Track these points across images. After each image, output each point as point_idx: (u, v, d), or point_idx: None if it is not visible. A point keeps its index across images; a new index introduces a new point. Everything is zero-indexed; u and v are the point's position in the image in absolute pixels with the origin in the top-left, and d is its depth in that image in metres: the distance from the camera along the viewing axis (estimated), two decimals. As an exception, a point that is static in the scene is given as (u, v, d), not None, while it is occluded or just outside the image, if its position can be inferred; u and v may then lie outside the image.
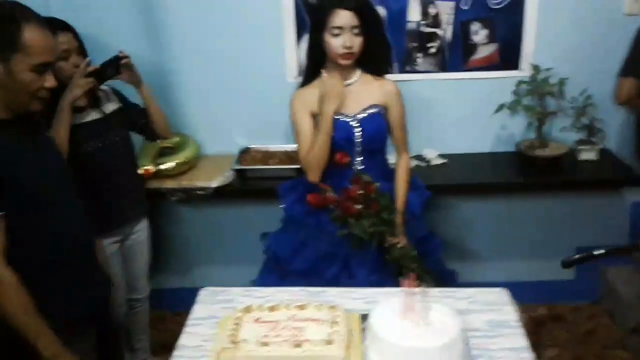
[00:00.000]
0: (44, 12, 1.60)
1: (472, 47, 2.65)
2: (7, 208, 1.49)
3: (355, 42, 1.97)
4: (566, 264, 1.78)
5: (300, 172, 2.53)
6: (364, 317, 1.67)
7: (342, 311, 1.64)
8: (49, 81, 1.52)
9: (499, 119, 2.72)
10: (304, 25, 2.60)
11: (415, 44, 2.64)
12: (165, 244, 2.95)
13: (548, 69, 2.59)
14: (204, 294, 1.88)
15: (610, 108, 2.68)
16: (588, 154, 2.70)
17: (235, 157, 2.70)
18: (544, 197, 2.89)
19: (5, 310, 1.49)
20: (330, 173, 2.10)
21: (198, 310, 1.80)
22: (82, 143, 2.08)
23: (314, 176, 2.07)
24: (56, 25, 1.97)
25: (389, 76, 2.21)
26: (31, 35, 1.45)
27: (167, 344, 2.75)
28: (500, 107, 2.62)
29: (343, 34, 1.95)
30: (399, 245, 2.00)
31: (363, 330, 1.63)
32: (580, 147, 2.70)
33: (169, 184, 2.54)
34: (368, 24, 1.99)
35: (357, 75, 2.09)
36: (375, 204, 1.93)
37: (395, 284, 1.68)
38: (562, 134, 2.73)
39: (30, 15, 1.48)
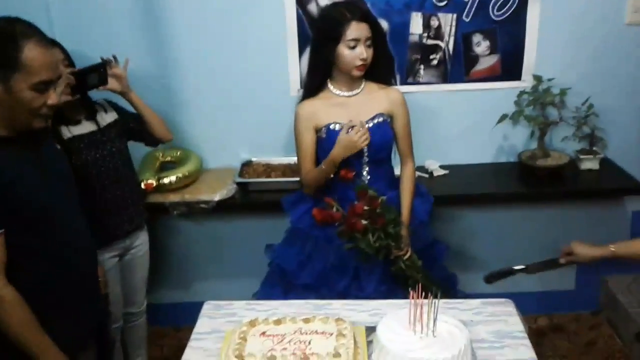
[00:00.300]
0: (47, 30, 1.59)
1: (474, 59, 2.66)
2: (6, 226, 1.47)
3: (369, 54, 1.99)
4: (488, 280, 1.83)
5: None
6: (370, 330, 1.66)
7: (348, 324, 1.63)
8: (52, 99, 1.50)
9: (501, 129, 2.73)
10: (307, 40, 2.61)
11: (417, 56, 2.65)
12: (167, 258, 2.93)
13: (550, 80, 2.60)
14: (207, 308, 1.87)
15: (611, 117, 2.69)
16: (590, 164, 2.70)
17: (237, 170, 2.70)
18: (546, 207, 2.89)
19: (7, 328, 1.48)
20: (335, 185, 2.10)
21: (202, 324, 1.79)
22: (79, 155, 2.08)
23: (309, 192, 2.16)
24: None
25: (404, 88, 2.24)
26: (31, 54, 1.42)
27: (166, 359, 2.77)
28: (503, 118, 2.63)
29: (359, 45, 1.97)
30: (405, 257, 1.99)
31: (369, 342, 1.62)
32: (581, 157, 2.70)
33: (171, 197, 2.53)
34: (377, 34, 2.01)
35: (363, 84, 2.10)
36: (381, 219, 1.93)
37: (405, 293, 1.67)
38: (564, 143, 2.74)
39: (31, 32, 1.45)
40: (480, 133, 2.75)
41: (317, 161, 2.14)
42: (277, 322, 1.64)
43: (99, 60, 2.16)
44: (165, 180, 2.54)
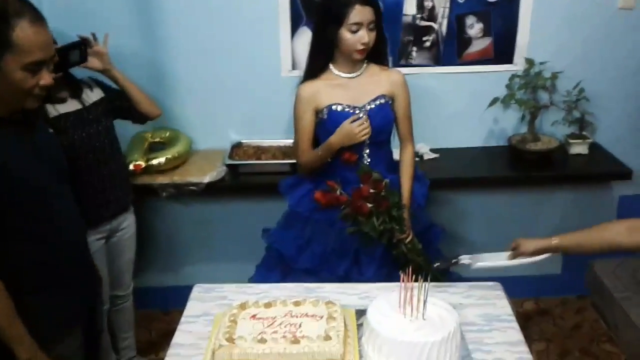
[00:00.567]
0: (35, 4, 1.55)
1: (467, 41, 2.65)
2: None
3: (371, 37, 1.97)
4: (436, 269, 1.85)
5: (293, 167, 2.52)
6: (360, 313, 1.67)
7: (338, 307, 1.63)
8: (44, 79, 1.46)
9: (492, 113, 2.72)
10: (299, 19, 2.58)
11: (410, 38, 2.63)
12: (155, 240, 2.92)
13: (542, 63, 2.59)
14: (197, 291, 1.86)
15: (602, 102, 2.70)
16: (579, 148, 2.71)
17: (227, 152, 2.67)
18: (535, 191, 2.90)
19: None
20: (334, 168, 2.09)
21: (191, 307, 1.78)
22: (65, 133, 2.05)
23: (303, 173, 2.18)
24: None
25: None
26: (22, 33, 1.38)
27: (155, 343, 2.77)
28: (494, 101, 2.62)
29: (361, 29, 1.94)
30: (406, 241, 1.99)
31: (359, 325, 1.63)
32: (571, 141, 2.71)
33: (160, 179, 2.50)
34: (380, 18, 1.99)
35: (364, 66, 2.09)
36: (385, 202, 1.92)
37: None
38: (554, 128, 2.74)
39: (24, 10, 1.40)
40: (471, 116, 2.75)
41: (316, 142, 2.13)
42: (268, 305, 1.64)
43: (77, 38, 2.12)
44: (154, 162, 2.51)
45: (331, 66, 2.07)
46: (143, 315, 2.84)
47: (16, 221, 1.50)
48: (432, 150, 2.74)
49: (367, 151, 2.09)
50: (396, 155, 2.23)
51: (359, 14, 1.93)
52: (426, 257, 2.02)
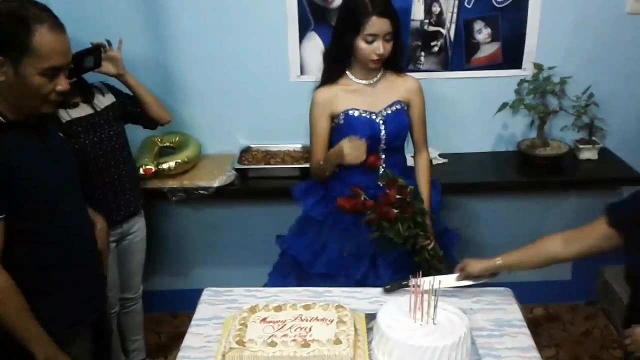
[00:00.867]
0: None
1: (475, 46, 2.65)
2: (8, 211, 1.46)
3: (387, 49, 1.96)
4: (386, 289, 1.85)
5: (302, 171, 2.53)
6: (370, 317, 1.67)
7: (348, 311, 1.64)
8: (61, 84, 1.48)
9: (501, 118, 2.72)
10: (307, 24, 2.59)
11: (418, 43, 2.63)
12: (165, 244, 2.93)
13: (550, 68, 2.59)
14: (207, 294, 1.87)
15: (611, 107, 2.69)
16: (588, 154, 2.70)
17: (236, 157, 2.68)
18: (545, 197, 2.89)
19: (0, 315, 1.48)
20: (354, 172, 2.09)
21: (201, 310, 1.79)
22: (77, 138, 2.07)
23: (317, 180, 2.17)
24: None
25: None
26: (42, 38, 1.40)
27: (164, 346, 2.77)
28: (503, 106, 2.62)
29: (377, 40, 1.94)
30: (429, 247, 1.98)
31: (369, 329, 1.63)
32: (580, 147, 2.70)
33: (170, 183, 2.52)
34: (398, 28, 1.98)
35: (380, 72, 2.09)
36: (410, 208, 1.92)
37: None
38: (563, 133, 2.74)
39: (44, 16, 1.42)
40: (480, 121, 2.74)
41: (330, 147, 2.13)
42: (278, 308, 1.64)
43: (90, 45, 2.14)
44: (164, 166, 2.52)
45: (347, 72, 2.07)
46: (152, 318, 2.85)
47: (27, 224, 1.51)
48: (441, 155, 2.74)
49: (383, 156, 2.09)
50: (408, 161, 2.23)
51: (375, 25, 1.91)
52: (447, 264, 2.01)
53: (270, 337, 1.52)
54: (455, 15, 2.59)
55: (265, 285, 2.20)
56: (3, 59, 1.40)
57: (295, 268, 2.18)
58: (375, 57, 1.96)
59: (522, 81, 2.64)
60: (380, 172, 2.07)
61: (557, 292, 3.02)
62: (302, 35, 2.61)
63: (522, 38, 2.64)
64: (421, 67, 2.67)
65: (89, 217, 1.74)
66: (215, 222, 2.89)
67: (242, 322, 1.58)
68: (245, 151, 2.73)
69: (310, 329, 1.55)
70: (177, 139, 2.70)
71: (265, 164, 2.63)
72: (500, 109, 2.63)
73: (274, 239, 2.28)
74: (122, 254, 2.32)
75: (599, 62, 2.65)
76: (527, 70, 2.66)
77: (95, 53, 2.13)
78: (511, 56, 2.66)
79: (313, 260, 2.12)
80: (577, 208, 2.89)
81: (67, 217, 1.61)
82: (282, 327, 1.57)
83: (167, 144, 2.69)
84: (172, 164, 2.54)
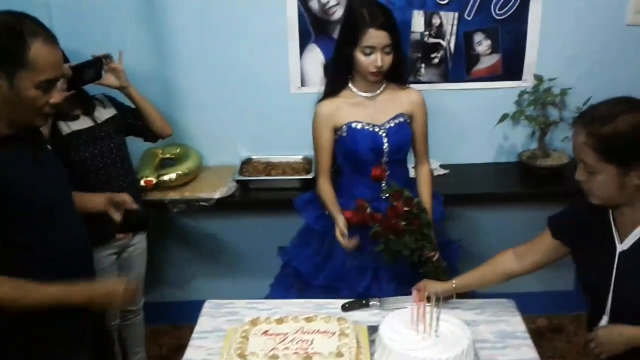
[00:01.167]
0: (45, 23, 1.57)
1: (475, 58, 2.66)
2: (3, 224, 1.45)
3: (386, 61, 1.95)
4: (344, 308, 1.84)
5: (302, 183, 2.53)
6: (372, 329, 1.66)
7: (350, 323, 1.63)
8: (54, 97, 1.48)
9: (501, 129, 2.72)
10: (308, 36, 2.60)
11: (418, 55, 2.65)
12: (166, 256, 2.92)
13: (551, 79, 2.60)
14: (208, 307, 1.86)
15: (611, 118, 2.69)
16: (590, 164, 2.70)
17: (237, 168, 2.68)
18: (546, 207, 2.85)
19: (15, 305, 1.46)
20: (357, 184, 2.10)
21: (203, 323, 1.79)
22: (77, 150, 2.07)
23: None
24: None
25: (413, 86, 2.21)
26: (37, 51, 1.41)
27: (166, 358, 2.76)
28: (504, 117, 2.62)
29: (375, 52, 1.93)
30: (434, 259, 1.97)
31: (371, 342, 1.62)
32: (582, 157, 2.70)
33: (171, 195, 2.51)
34: (398, 41, 1.98)
35: (383, 85, 2.09)
36: (417, 220, 1.92)
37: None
38: (564, 144, 2.73)
39: (39, 30, 1.43)
40: (481, 133, 2.75)
41: (335, 159, 2.15)
42: (279, 321, 1.64)
43: (91, 57, 2.14)
44: (165, 178, 2.52)
45: (350, 85, 2.07)
46: (154, 330, 2.84)
47: (23, 239, 1.50)
48: (442, 166, 2.74)
49: (386, 169, 2.09)
50: (410, 173, 2.24)
51: (373, 37, 1.91)
52: (450, 276, 2.00)
53: (271, 350, 1.51)
54: (455, 27, 2.61)
55: (267, 297, 2.19)
56: None
57: (297, 280, 2.17)
58: (373, 70, 1.96)
59: (522, 92, 2.64)
60: (383, 184, 2.07)
61: (560, 302, 3.00)
62: (303, 46, 2.62)
63: (523, 49, 2.65)
64: (421, 78, 2.68)
65: (85, 231, 1.73)
66: (217, 233, 2.88)
67: (244, 334, 1.58)
68: (246, 162, 2.73)
69: (312, 342, 1.55)
70: (178, 150, 2.70)
71: (266, 175, 2.63)
72: (500, 120, 2.63)
73: (276, 250, 2.28)
74: (123, 266, 2.31)
75: (600, 74, 2.66)
76: (527, 81, 2.67)
77: (96, 65, 2.13)
78: (511, 68, 2.67)
79: (315, 272, 2.11)
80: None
81: (62, 231, 1.60)
82: (284, 339, 1.56)
83: (168, 155, 2.69)
84: (173, 175, 2.53)
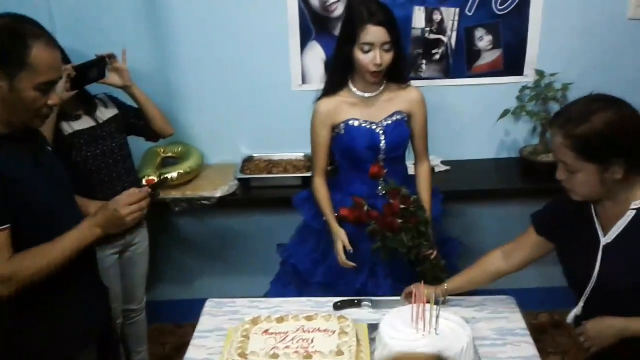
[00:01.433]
0: (47, 23, 1.59)
1: (476, 53, 2.65)
2: (11, 221, 1.47)
3: (385, 58, 1.94)
4: (336, 306, 1.84)
5: (304, 180, 2.53)
6: (372, 327, 1.67)
7: (350, 321, 1.63)
8: (53, 99, 1.50)
9: (503, 124, 2.72)
10: (309, 34, 2.60)
11: (419, 51, 2.64)
12: (168, 254, 2.93)
13: (552, 74, 2.59)
14: (210, 306, 1.87)
15: (613, 113, 2.68)
16: (591, 159, 2.69)
17: (239, 166, 2.69)
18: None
19: (39, 274, 1.47)
20: (353, 181, 2.10)
21: (204, 322, 1.79)
22: (79, 150, 2.08)
23: None
24: None
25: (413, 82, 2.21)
26: (38, 53, 1.43)
27: (168, 356, 2.77)
28: (505, 113, 2.62)
29: (373, 49, 1.92)
30: (432, 257, 1.98)
31: (371, 340, 1.63)
32: (583, 152, 2.69)
33: (172, 194, 2.52)
34: (397, 38, 1.97)
35: (382, 85, 2.08)
36: (414, 218, 1.92)
37: None
38: (566, 139, 2.73)
39: (39, 32, 1.45)
40: (482, 128, 2.74)
41: (332, 157, 2.15)
42: (280, 319, 1.65)
43: (94, 57, 2.15)
44: (167, 176, 2.53)
45: (350, 84, 2.07)
46: (156, 329, 2.86)
47: (24, 237, 1.51)
48: (444, 163, 2.74)
49: (383, 166, 2.09)
50: (409, 169, 2.24)
51: (371, 34, 1.90)
52: (449, 274, 2.01)
53: (272, 348, 1.52)
54: (456, 23, 2.60)
55: (266, 294, 2.21)
56: None
57: (295, 277, 2.18)
58: (373, 68, 1.94)
59: (523, 88, 2.64)
60: (380, 181, 2.07)
61: (562, 298, 2.97)
62: (304, 44, 2.62)
63: (524, 45, 2.64)
64: (422, 74, 2.68)
65: None
66: (218, 231, 2.89)
67: (244, 333, 1.58)
68: (248, 160, 2.74)
69: (312, 340, 1.56)
70: (179, 149, 2.70)
71: (268, 173, 2.64)
72: (502, 116, 2.63)
73: (276, 247, 2.29)
74: (125, 265, 2.32)
75: (601, 68, 2.64)
76: (528, 76, 2.66)
77: (99, 65, 2.14)
78: (512, 63, 2.67)
79: (313, 269, 2.13)
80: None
81: (64, 229, 1.62)
82: (284, 338, 1.57)
83: (170, 154, 2.70)
84: (174, 174, 2.54)
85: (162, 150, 2.68)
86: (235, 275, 2.92)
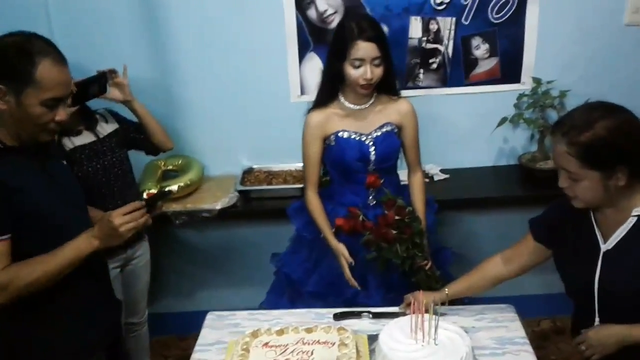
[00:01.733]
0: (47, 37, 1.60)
1: (474, 62, 2.67)
2: (11, 231, 1.49)
3: (376, 73, 1.96)
4: (336, 317, 1.85)
5: (304, 191, 2.54)
6: (372, 338, 1.67)
7: (350, 332, 1.64)
8: (60, 115, 1.53)
9: (501, 132, 2.72)
10: (307, 45, 2.62)
11: (417, 60, 2.66)
12: (170, 267, 2.94)
13: (549, 82, 2.60)
14: (210, 319, 1.88)
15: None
16: (591, 165, 2.69)
17: (239, 178, 2.70)
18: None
19: (36, 284, 1.48)
20: (345, 191, 2.12)
21: (205, 335, 1.80)
22: (80, 166, 2.10)
23: None
24: None
25: (403, 92, 2.22)
26: (44, 70, 1.46)
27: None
28: (503, 121, 2.63)
29: (364, 65, 1.94)
30: (427, 267, 1.99)
31: (371, 351, 1.63)
32: (582, 159, 2.70)
33: (173, 207, 2.53)
34: (387, 53, 1.99)
35: (373, 98, 2.10)
36: (408, 229, 1.94)
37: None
38: (565, 145, 2.73)
39: (48, 50, 1.49)
40: (481, 136, 2.75)
41: (324, 168, 2.17)
42: (280, 332, 1.65)
43: (96, 73, 2.17)
44: (168, 189, 2.54)
45: (340, 97, 2.09)
46: (159, 342, 2.86)
47: (29, 247, 1.53)
48: (443, 171, 2.75)
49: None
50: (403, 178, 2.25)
51: (362, 50, 1.92)
52: (443, 284, 2.01)
53: (272, 361, 1.52)
54: (452, 32, 2.61)
55: (261, 304, 2.22)
56: (6, 88, 1.46)
57: (288, 286, 2.20)
58: (363, 82, 1.96)
59: (521, 95, 2.65)
60: (370, 192, 2.09)
61: (564, 304, 2.97)
62: (302, 56, 2.64)
63: (520, 53, 2.65)
64: (420, 84, 2.69)
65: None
66: (219, 243, 2.90)
67: (245, 347, 1.59)
68: (248, 172, 2.75)
69: (312, 353, 1.56)
70: (180, 162, 2.72)
71: (268, 185, 2.65)
72: (499, 124, 2.64)
73: (270, 257, 2.31)
74: (127, 279, 2.34)
75: (598, 75, 2.65)
76: (526, 84, 2.67)
77: (101, 80, 2.16)
78: (510, 71, 2.68)
79: (305, 278, 2.14)
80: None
81: (72, 239, 1.63)
82: (284, 351, 1.58)
83: (170, 167, 2.71)
84: (175, 187, 2.55)
85: (162, 164, 2.70)
86: (238, 287, 2.93)
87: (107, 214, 1.57)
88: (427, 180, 2.69)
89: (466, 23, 2.60)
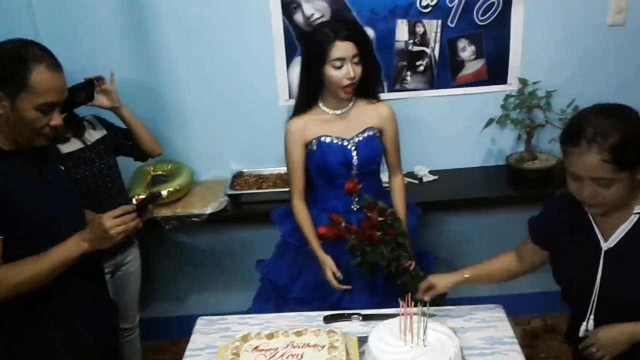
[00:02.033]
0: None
1: (460, 64, 2.69)
2: (5, 234, 1.49)
3: (357, 71, 1.98)
4: (326, 319, 1.85)
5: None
6: (362, 340, 1.68)
7: (340, 335, 1.65)
8: (55, 120, 1.55)
9: (489, 133, 2.75)
10: (294, 49, 2.63)
11: (404, 63, 2.67)
12: (160, 272, 2.94)
13: (535, 82, 2.62)
14: (201, 324, 1.88)
15: (597, 118, 2.71)
16: (578, 165, 2.72)
17: (229, 182, 2.71)
18: (536, 209, 2.88)
19: (25, 285, 1.49)
20: (328, 197, 2.13)
21: (195, 340, 1.80)
22: (68, 172, 2.09)
23: None
24: None
25: (383, 96, 2.23)
26: (39, 76, 1.48)
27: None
28: (490, 122, 2.65)
29: (345, 64, 1.95)
30: (411, 268, 2.00)
31: (361, 353, 1.64)
32: (570, 158, 2.72)
33: (163, 211, 2.53)
34: (365, 51, 2.00)
35: (352, 102, 2.11)
36: (391, 230, 1.95)
37: (398, 304, 1.69)
38: (551, 145, 2.75)
39: (43, 56, 1.51)
40: (468, 137, 2.77)
41: (307, 173, 2.17)
42: (270, 336, 1.66)
43: (83, 80, 2.17)
44: (158, 192, 2.53)
45: (320, 103, 2.10)
46: (151, 347, 2.86)
47: (25, 250, 1.53)
48: (432, 172, 2.77)
49: (357, 181, 2.11)
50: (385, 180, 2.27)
51: (340, 49, 1.94)
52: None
53: (262, 365, 1.53)
54: (439, 35, 2.63)
55: (248, 310, 2.23)
56: (2, 93, 1.49)
57: (273, 292, 2.21)
58: (347, 82, 1.97)
59: (507, 96, 2.67)
60: (353, 196, 2.10)
61: (554, 302, 2.99)
62: (290, 60, 2.65)
63: (506, 54, 2.68)
64: (408, 86, 2.71)
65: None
66: (210, 248, 2.90)
67: (235, 351, 1.60)
68: (237, 176, 2.76)
69: (302, 356, 1.57)
70: (169, 167, 2.72)
71: (257, 189, 2.66)
72: (486, 125, 2.65)
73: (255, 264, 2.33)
74: (117, 284, 2.33)
75: (583, 75, 2.68)
76: (512, 85, 2.70)
77: (88, 87, 2.16)
78: (496, 72, 2.70)
79: (290, 284, 2.15)
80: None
81: None
82: (274, 355, 1.58)
83: (160, 172, 2.71)
84: (164, 192, 2.55)
85: (152, 169, 2.70)
86: (228, 290, 2.93)
87: (98, 216, 1.58)
88: (416, 181, 2.72)
89: (452, 25, 2.62)
